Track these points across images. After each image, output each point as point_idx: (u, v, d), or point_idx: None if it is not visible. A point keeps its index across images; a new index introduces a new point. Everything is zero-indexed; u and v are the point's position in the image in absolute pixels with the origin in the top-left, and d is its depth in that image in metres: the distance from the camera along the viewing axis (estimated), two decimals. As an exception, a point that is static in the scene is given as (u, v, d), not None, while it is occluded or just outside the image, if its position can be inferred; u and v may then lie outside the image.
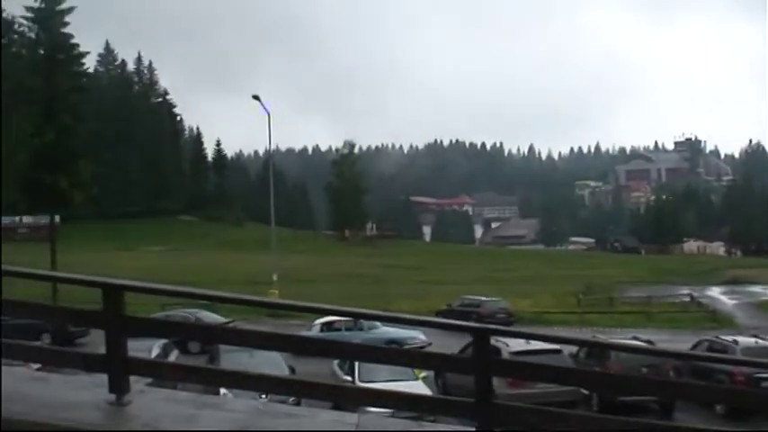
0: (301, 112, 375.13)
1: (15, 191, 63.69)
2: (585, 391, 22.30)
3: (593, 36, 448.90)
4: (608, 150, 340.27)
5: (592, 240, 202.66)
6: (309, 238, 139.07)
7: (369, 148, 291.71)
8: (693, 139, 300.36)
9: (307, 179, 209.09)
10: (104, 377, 6.42)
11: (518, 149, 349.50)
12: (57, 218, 71.99)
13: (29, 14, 67.46)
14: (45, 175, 62.07)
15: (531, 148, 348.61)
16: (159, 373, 7.88)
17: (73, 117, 65.54)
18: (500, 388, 5.81)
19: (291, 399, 14.35)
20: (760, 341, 28.10)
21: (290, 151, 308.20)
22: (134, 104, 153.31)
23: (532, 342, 21.53)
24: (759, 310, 60.34)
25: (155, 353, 23.71)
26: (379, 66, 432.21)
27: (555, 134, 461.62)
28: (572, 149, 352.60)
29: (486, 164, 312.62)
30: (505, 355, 21.25)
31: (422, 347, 32.78)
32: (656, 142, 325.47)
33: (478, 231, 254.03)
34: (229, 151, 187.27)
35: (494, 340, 6.49)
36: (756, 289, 75.16)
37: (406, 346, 32.59)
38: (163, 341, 25.69)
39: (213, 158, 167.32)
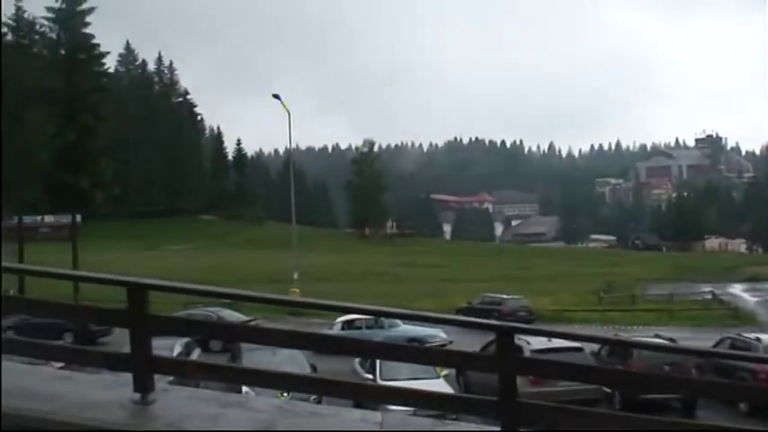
0: (321, 110, 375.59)
1: (37, 190, 64.00)
2: (608, 390, 22.24)
3: (614, 33, 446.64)
4: (628, 147, 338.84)
5: (613, 238, 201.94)
6: (330, 237, 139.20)
7: (388, 146, 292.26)
8: (714, 135, 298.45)
9: (327, 177, 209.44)
10: (128, 376, 6.44)
11: (538, 147, 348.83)
12: (78, 217, 72.40)
13: (50, 15, 67.91)
14: (67, 174, 62.46)
15: (551, 146, 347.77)
16: (183, 371, 7.91)
17: (94, 117, 65.89)
18: (522, 386, 5.79)
19: (312, 397, 14.40)
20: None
21: (310, 150, 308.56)
22: (155, 104, 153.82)
23: (554, 340, 21.49)
24: (781, 308, 59.92)
25: (177, 351, 23.79)
26: (399, 64, 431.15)
27: (575, 131, 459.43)
28: (592, 146, 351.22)
29: (506, 161, 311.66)
30: (527, 353, 21.17)
31: (443, 346, 32.75)
32: (676, 139, 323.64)
33: (499, 229, 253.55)
34: (250, 150, 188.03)
35: (516, 338, 6.46)
36: (778, 286, 74.56)
37: (427, 345, 32.54)
38: (185, 339, 25.78)
39: (233, 157, 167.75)
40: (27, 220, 74.38)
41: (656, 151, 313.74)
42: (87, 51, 68.43)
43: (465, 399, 8.29)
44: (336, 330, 35.77)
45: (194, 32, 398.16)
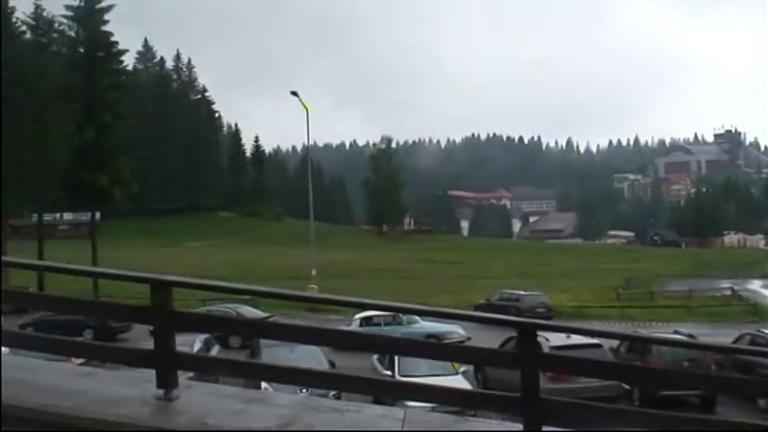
0: (338, 107, 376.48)
1: (56, 188, 64.35)
2: (626, 386, 22.19)
3: (632, 28, 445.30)
4: (647, 143, 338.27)
5: (631, 234, 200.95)
6: (347, 233, 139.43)
7: (406, 142, 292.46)
8: (733, 131, 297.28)
9: (344, 174, 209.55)
10: (150, 372, 6.48)
11: (556, 143, 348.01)
12: (97, 215, 72.73)
13: (69, 13, 68.16)
14: (86, 172, 62.78)
15: (569, 142, 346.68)
16: (206, 367, 7.95)
17: (113, 114, 66.19)
18: (540, 383, 5.80)
19: (331, 393, 14.43)
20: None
21: (327, 146, 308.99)
22: (173, 102, 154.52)
23: (572, 337, 21.46)
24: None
25: (197, 347, 23.87)
26: (416, 60, 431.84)
27: (593, 127, 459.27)
28: (610, 142, 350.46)
29: (523, 158, 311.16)
30: (545, 349, 21.14)
31: (461, 342, 32.73)
32: (695, 134, 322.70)
33: (516, 225, 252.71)
34: (267, 147, 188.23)
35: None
36: (798, 282, 74.27)
37: (445, 341, 32.51)
38: (204, 336, 25.88)
39: (251, 154, 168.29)
40: (46, 217, 74.75)
41: (675, 147, 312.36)
42: (106, 49, 68.69)
43: (486, 395, 8.28)
44: (354, 327, 35.75)
45: (212, 30, 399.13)
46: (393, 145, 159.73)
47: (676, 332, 29.57)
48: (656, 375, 9.29)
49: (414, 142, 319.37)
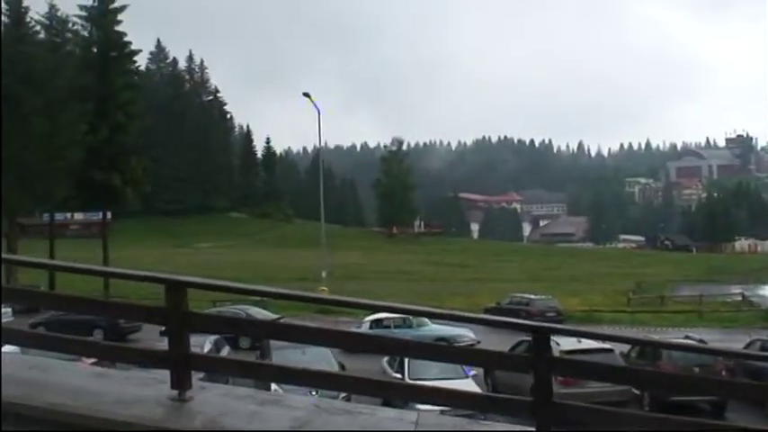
0: (349, 109, 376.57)
1: (69, 188, 64.54)
2: (636, 391, 22.15)
3: (644, 32, 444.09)
4: (658, 147, 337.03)
5: (642, 238, 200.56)
6: (358, 235, 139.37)
7: (417, 144, 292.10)
8: (745, 135, 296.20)
9: (355, 176, 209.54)
10: (163, 373, 6.50)
11: (567, 146, 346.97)
12: (108, 214, 72.92)
13: (82, 13, 68.54)
14: (98, 171, 63.01)
15: (580, 145, 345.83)
16: (219, 368, 7.98)
17: (125, 114, 66.42)
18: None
19: (341, 395, 14.44)
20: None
21: (338, 148, 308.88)
22: (185, 102, 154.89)
23: (583, 341, 21.43)
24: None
25: (207, 348, 23.90)
26: (427, 62, 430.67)
27: (604, 130, 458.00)
28: (622, 146, 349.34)
29: (534, 161, 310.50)
30: (556, 353, 21.12)
31: (471, 345, 32.72)
32: (707, 139, 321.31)
33: (527, 229, 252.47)
34: (278, 148, 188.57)
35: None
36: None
37: (456, 344, 32.49)
38: (214, 337, 25.91)
39: (262, 155, 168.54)
40: (57, 217, 74.96)
41: (687, 151, 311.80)
42: (119, 49, 68.97)
43: (498, 399, 8.29)
44: (365, 329, 35.72)
45: (224, 31, 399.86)
46: (404, 147, 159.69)
47: (687, 337, 29.49)
48: (666, 380, 9.30)
49: (425, 144, 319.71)
